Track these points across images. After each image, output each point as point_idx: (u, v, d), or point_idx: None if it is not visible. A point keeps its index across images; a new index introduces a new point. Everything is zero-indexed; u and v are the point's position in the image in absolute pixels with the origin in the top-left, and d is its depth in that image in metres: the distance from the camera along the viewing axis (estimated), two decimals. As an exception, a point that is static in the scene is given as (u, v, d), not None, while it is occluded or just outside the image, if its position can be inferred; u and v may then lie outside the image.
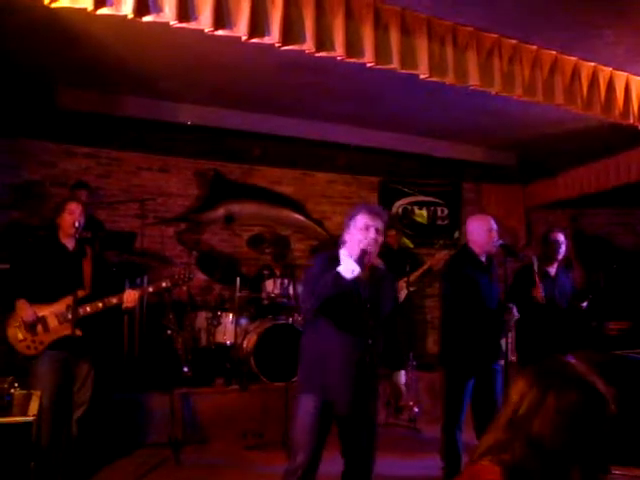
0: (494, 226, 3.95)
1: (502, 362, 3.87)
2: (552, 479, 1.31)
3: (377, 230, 2.71)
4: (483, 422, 3.62)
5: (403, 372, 2.85)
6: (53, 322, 3.56)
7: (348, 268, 2.58)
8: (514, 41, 3.82)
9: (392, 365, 2.96)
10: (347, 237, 2.76)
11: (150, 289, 3.83)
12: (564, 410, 1.29)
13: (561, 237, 4.57)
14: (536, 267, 4.36)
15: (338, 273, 2.58)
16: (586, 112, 4.11)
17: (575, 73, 4.00)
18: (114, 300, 3.62)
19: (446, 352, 4.00)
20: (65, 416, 3.39)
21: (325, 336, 2.70)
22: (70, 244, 3.72)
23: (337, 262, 2.68)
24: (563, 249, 4.56)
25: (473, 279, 3.88)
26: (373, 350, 2.67)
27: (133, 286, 3.90)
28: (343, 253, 2.71)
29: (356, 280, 2.60)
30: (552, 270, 4.59)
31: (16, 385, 2.90)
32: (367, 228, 2.69)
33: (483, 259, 3.96)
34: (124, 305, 3.64)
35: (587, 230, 8.08)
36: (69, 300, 3.52)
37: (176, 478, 4.02)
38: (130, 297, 3.64)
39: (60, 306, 3.58)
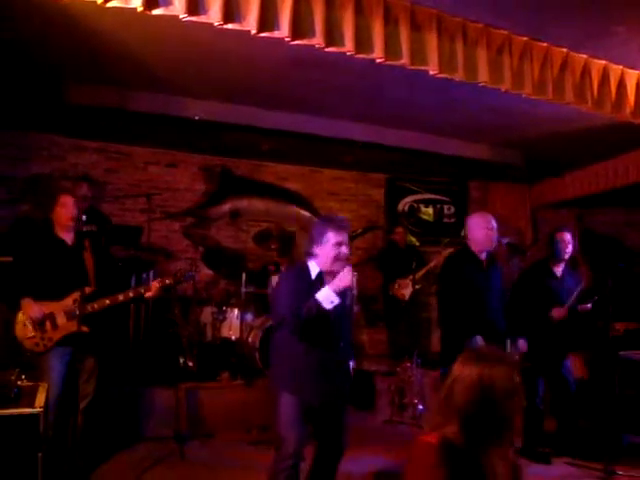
0: (493, 224, 3.94)
1: None
2: (475, 453, 1.64)
3: (346, 244, 2.95)
4: None
5: (351, 362, 3.21)
6: (61, 319, 3.55)
7: (328, 299, 2.77)
8: (525, 38, 3.79)
9: None
10: (317, 251, 2.96)
11: (167, 281, 3.82)
12: (477, 383, 1.64)
13: (568, 236, 4.50)
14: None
15: (319, 304, 2.76)
16: (596, 110, 4.07)
17: (585, 71, 3.97)
18: (120, 297, 3.63)
19: (446, 352, 3.99)
20: (72, 409, 3.40)
21: (299, 347, 2.90)
22: (68, 238, 3.70)
23: (307, 274, 2.95)
24: (570, 249, 4.49)
25: (470, 278, 3.88)
26: (342, 355, 3.03)
27: (144, 280, 3.94)
28: (313, 265, 2.97)
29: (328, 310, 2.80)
30: (558, 270, 4.55)
31: (23, 377, 2.92)
32: (339, 244, 2.90)
33: (482, 257, 3.96)
34: (146, 295, 3.69)
35: (594, 230, 8.05)
36: (76, 296, 3.52)
37: (180, 472, 4.03)
38: (155, 288, 3.70)
39: (67, 302, 3.58)
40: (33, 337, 3.49)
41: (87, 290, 3.52)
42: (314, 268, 2.96)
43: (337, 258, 2.89)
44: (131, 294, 3.67)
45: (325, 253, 2.92)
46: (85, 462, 3.69)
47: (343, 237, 2.92)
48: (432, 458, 1.61)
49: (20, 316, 3.52)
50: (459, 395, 1.67)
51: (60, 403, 3.49)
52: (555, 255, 4.51)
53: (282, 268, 5.92)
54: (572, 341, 4.45)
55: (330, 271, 2.91)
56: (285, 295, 2.93)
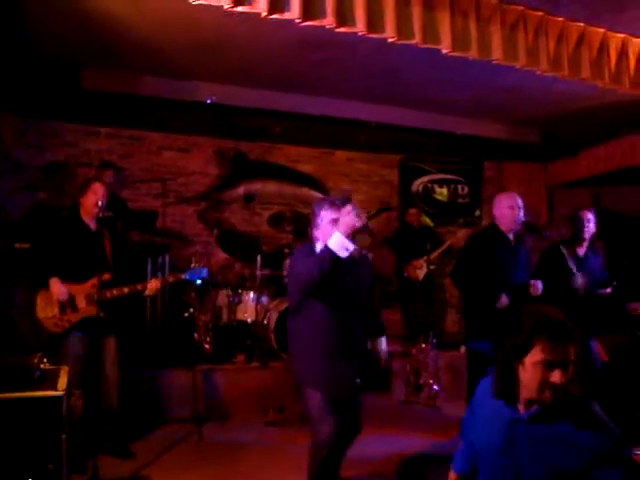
0: (518, 203, 3.94)
1: None
2: None
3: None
4: None
5: (383, 338, 3.16)
6: (81, 302, 3.64)
7: (342, 245, 2.63)
8: (540, 13, 3.72)
9: (372, 333, 3.18)
10: (318, 234, 2.93)
11: (170, 279, 3.93)
12: None
13: (590, 215, 4.43)
14: (566, 254, 4.31)
15: (332, 252, 2.64)
16: (614, 86, 4.00)
17: (603, 45, 3.89)
18: (139, 287, 3.72)
19: (470, 330, 3.99)
20: (94, 391, 3.49)
21: (315, 319, 2.87)
22: (92, 224, 3.79)
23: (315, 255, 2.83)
24: (592, 227, 4.43)
25: (497, 255, 3.88)
26: (357, 324, 2.98)
27: (156, 275, 3.99)
28: (320, 247, 2.82)
29: (344, 261, 2.70)
30: (581, 251, 4.49)
31: (45, 360, 2.97)
32: (335, 221, 2.80)
33: (510, 237, 3.95)
34: (145, 293, 3.75)
35: (610, 209, 7.94)
36: (95, 281, 3.63)
37: (199, 453, 4.09)
38: (153, 286, 3.74)
39: (87, 286, 3.66)
40: (53, 317, 3.58)
41: (106, 276, 3.66)
42: (337, 235, 2.83)
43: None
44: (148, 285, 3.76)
45: (324, 233, 2.87)
46: (116, 443, 3.83)
47: (337, 213, 2.83)
48: None
49: (40, 297, 3.61)
50: None
51: (83, 385, 3.58)
52: (577, 235, 4.46)
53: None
54: (592, 324, 4.41)
55: None
56: (299, 269, 2.86)
